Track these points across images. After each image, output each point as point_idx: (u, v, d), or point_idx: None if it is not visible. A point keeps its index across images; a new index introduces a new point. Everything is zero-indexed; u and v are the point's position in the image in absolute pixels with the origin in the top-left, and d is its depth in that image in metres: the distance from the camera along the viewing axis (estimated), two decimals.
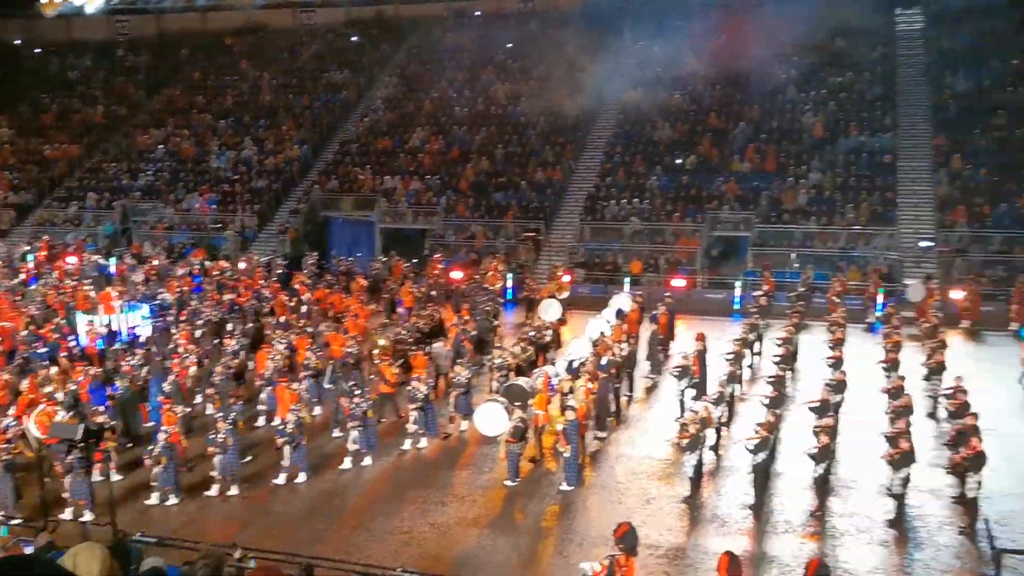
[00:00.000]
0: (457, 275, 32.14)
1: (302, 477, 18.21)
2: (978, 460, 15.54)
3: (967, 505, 15.72)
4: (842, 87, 39.68)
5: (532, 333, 23.76)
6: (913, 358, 22.65)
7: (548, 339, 24.38)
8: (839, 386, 19.61)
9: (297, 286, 30.24)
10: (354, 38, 51.91)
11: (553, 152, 40.47)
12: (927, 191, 34.54)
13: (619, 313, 25.59)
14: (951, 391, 18.89)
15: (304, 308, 28.20)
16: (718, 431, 18.74)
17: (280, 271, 33.59)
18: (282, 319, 26.89)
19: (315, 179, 41.78)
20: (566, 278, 31.31)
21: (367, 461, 18.81)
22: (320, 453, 19.43)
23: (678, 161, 38.34)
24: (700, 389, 20.77)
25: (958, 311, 28.10)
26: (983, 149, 35.05)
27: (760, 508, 16.22)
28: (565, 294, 29.04)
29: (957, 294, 28.64)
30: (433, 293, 29.96)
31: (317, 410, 21.64)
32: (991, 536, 10.65)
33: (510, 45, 47.30)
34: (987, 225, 32.20)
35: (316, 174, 42.29)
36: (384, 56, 50.04)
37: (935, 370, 21.19)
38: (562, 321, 26.93)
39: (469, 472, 18.41)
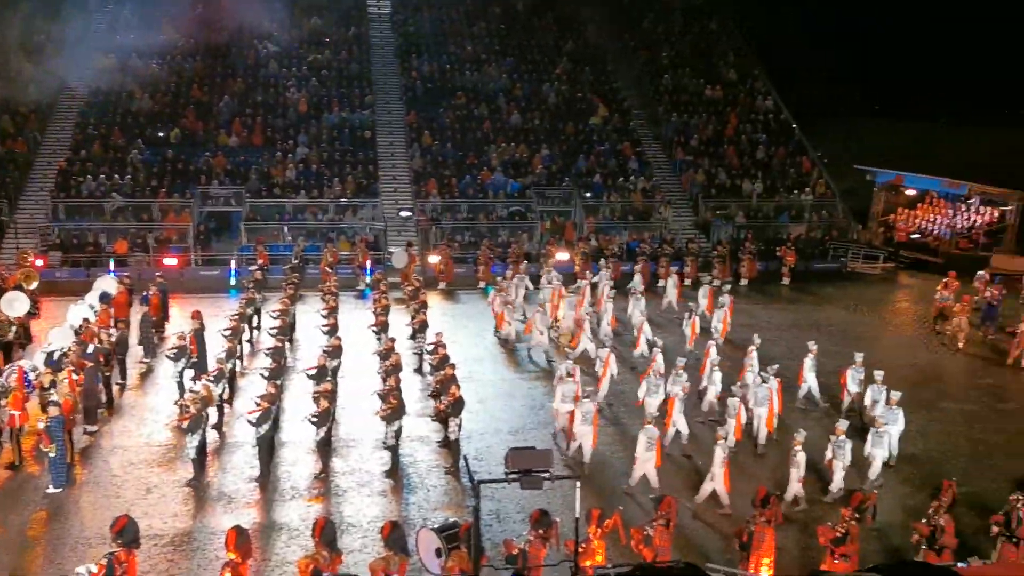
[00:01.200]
0: None
1: None
2: (458, 405, 17.41)
3: (450, 447, 17.57)
4: (322, 65, 40.98)
5: None
6: (400, 319, 24.52)
7: (11, 336, 21.74)
8: (335, 352, 20.50)
9: None
10: None
11: (13, 123, 36.01)
12: (404, 165, 37.36)
13: (104, 297, 23.82)
14: (433, 346, 20.85)
15: None
16: (220, 408, 18.51)
17: None
18: None
19: None
20: (38, 263, 28.22)
21: None
22: None
23: (161, 134, 36.58)
24: (199, 368, 20.29)
25: (435, 274, 31.00)
26: (448, 126, 38.84)
27: (266, 479, 16.40)
28: (35, 284, 26.00)
29: (434, 258, 31.57)
30: None
31: None
32: (471, 471, 12.17)
33: None
34: (455, 195, 35.87)
35: None
36: None
37: (419, 329, 23.21)
38: (32, 314, 24.21)
39: None
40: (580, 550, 11.46)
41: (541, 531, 12.06)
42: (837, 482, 16.20)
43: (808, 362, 20.62)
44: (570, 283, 28.12)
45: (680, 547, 13.89)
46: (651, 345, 21.54)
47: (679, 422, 18.01)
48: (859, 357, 20.01)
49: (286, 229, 33.63)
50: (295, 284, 26.28)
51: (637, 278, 27.75)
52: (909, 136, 46.13)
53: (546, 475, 10.76)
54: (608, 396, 20.42)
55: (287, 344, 22.30)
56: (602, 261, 29.77)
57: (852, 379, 19.81)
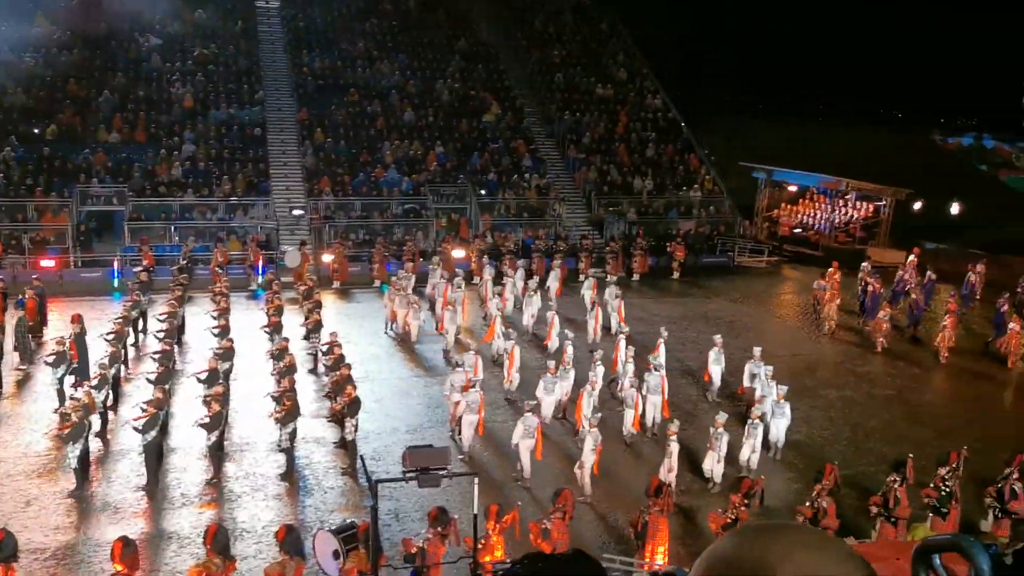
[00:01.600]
0: None
1: None
2: (354, 406, 17.24)
3: (347, 447, 17.37)
4: (208, 59, 39.85)
5: None
6: (294, 320, 24.10)
7: None
8: (227, 354, 20.00)
9: None
10: None
11: None
12: (296, 162, 36.68)
13: None
14: (328, 346, 20.58)
15: None
16: (103, 416, 17.83)
17: None
18: None
19: None
20: None
21: None
22: None
23: (36, 131, 34.90)
24: (80, 374, 19.46)
25: (330, 273, 30.59)
26: (341, 123, 38.32)
27: (154, 487, 15.89)
28: None
29: (328, 257, 31.13)
30: None
31: None
32: (368, 471, 12.08)
33: None
34: (348, 193, 35.43)
35: None
36: None
37: (313, 329, 22.87)
38: None
39: None
40: (479, 546, 11.51)
41: (440, 528, 12.07)
42: (717, 473, 16.61)
43: (712, 354, 21.14)
44: (468, 280, 28.20)
45: (578, 539, 14.08)
46: (562, 339, 21.76)
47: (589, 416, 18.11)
48: (757, 351, 20.53)
49: (173, 229, 32.60)
50: (183, 285, 25.48)
51: (520, 273, 27.98)
52: (791, 134, 48.01)
53: (444, 473, 10.79)
54: (509, 390, 20.55)
55: (175, 347, 21.66)
56: (485, 258, 29.97)
57: (747, 372, 20.37)
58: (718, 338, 21.39)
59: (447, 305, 24.37)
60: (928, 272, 29.36)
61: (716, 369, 21.09)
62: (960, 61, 51.23)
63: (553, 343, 22.86)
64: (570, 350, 20.34)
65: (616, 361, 20.63)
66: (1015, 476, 14.85)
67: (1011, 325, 24.64)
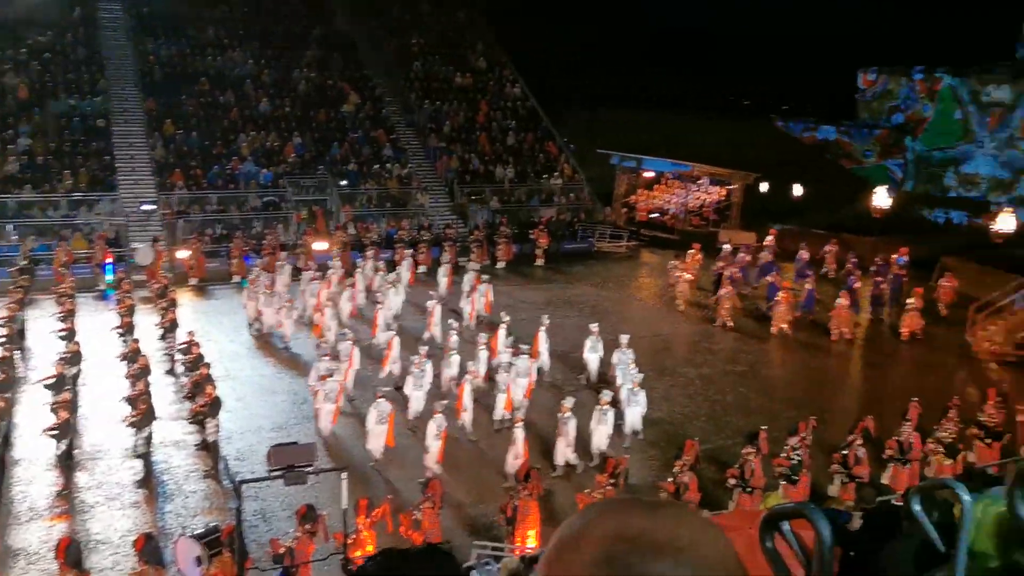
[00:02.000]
0: None
1: None
2: (215, 406, 16.70)
3: (209, 449, 16.81)
4: (44, 47, 37.56)
5: None
6: (148, 319, 23.12)
7: None
8: (74, 358, 19.05)
9: None
10: None
11: None
12: (144, 155, 35.04)
13: None
14: (185, 346, 19.86)
15: None
16: None
17: None
18: None
19: None
20: None
21: None
22: None
23: None
24: None
25: (186, 269, 29.45)
26: (192, 114, 36.87)
27: None
28: None
29: (183, 253, 29.94)
30: None
31: None
32: (230, 472, 11.75)
33: None
34: (203, 186, 34.17)
35: None
36: None
37: (169, 328, 22.03)
38: None
39: None
40: (350, 541, 11.38)
41: (308, 526, 11.86)
42: (571, 457, 16.83)
43: (589, 343, 21.44)
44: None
45: (449, 527, 14.12)
46: (446, 329, 21.65)
47: (470, 407, 18.03)
48: (624, 339, 20.81)
49: (10, 227, 30.63)
50: (23, 287, 24.07)
51: (370, 264, 27.84)
52: (650, 123, 49.41)
53: (310, 469, 10.62)
54: (383, 381, 20.29)
55: (16, 353, 20.43)
56: (335, 251, 29.66)
57: (614, 357, 20.72)
58: (594, 326, 21.73)
59: (307, 301, 23.94)
60: (761, 253, 30.93)
61: (593, 357, 21.38)
62: (799, 51, 53.88)
63: (434, 332, 22.77)
64: (454, 338, 20.36)
65: (495, 349, 20.69)
66: (858, 442, 15.80)
67: (839, 300, 25.99)
